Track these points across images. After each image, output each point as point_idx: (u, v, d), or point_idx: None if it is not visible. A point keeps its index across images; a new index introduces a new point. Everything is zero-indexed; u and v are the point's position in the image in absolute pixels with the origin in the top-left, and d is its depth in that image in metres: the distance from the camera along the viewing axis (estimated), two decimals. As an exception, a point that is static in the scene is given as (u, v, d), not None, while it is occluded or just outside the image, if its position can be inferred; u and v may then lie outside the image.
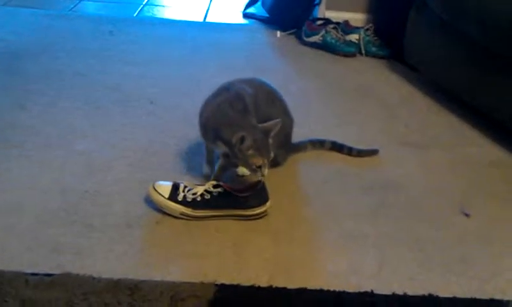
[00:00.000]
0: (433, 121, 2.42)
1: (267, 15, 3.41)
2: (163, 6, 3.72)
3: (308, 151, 2.06)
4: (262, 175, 1.65)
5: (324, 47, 3.07)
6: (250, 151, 1.63)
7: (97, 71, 2.62)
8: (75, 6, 3.56)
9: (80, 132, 2.09)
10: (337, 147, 2.07)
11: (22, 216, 1.62)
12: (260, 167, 1.65)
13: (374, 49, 3.04)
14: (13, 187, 1.75)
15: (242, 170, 1.67)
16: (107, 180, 1.82)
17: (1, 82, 2.43)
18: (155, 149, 2.01)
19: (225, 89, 1.80)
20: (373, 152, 2.07)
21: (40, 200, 1.70)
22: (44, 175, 1.82)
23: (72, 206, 1.68)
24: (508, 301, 1.41)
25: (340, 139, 2.09)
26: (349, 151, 2.07)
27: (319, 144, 2.08)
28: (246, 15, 3.53)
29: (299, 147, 2.04)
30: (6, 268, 1.40)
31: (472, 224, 1.75)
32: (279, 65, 2.94)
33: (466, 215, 1.78)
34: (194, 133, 1.98)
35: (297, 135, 2.00)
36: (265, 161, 1.65)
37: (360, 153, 2.06)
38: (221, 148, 1.71)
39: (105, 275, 1.40)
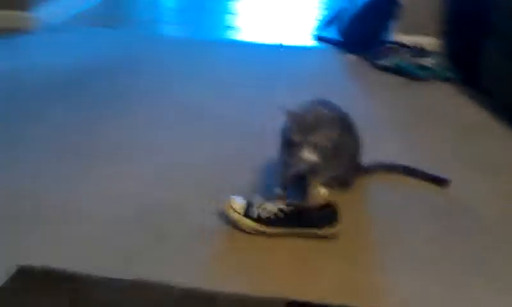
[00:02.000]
0: (505, 146, 2.38)
1: (340, 38, 3.46)
2: (240, 29, 3.84)
3: (379, 173, 2.08)
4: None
5: (396, 70, 3.08)
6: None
7: (173, 91, 2.74)
8: (155, 27, 3.73)
9: (158, 147, 2.20)
10: (408, 171, 2.08)
11: (98, 224, 1.73)
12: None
13: (447, 73, 3.02)
14: (92, 196, 1.87)
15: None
16: (180, 193, 1.90)
17: (80, 98, 2.60)
18: (229, 166, 2.08)
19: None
20: (445, 181, 2.06)
21: (117, 209, 1.80)
22: (119, 186, 1.93)
23: (146, 216, 1.77)
24: None
25: (411, 163, 2.10)
26: (420, 176, 2.07)
27: (389, 167, 2.09)
28: (318, 38, 3.59)
29: (369, 169, 2.06)
30: (87, 272, 1.50)
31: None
32: (349, 88, 2.97)
33: (541, 244, 1.75)
34: (266, 152, 2.06)
35: (367, 159, 2.02)
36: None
37: (432, 180, 2.06)
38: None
39: (178, 283, 1.47)
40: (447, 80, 3.01)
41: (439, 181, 2.06)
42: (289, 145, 1.71)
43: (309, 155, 1.68)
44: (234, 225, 1.73)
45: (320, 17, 3.97)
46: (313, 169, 1.83)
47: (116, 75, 2.89)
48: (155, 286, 1.46)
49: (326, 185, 1.94)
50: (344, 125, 1.91)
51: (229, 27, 3.84)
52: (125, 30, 3.64)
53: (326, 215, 1.72)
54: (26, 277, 1.46)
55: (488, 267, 1.65)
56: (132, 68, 3.00)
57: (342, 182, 1.96)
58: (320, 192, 1.91)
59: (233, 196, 1.78)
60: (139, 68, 3.01)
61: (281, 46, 3.45)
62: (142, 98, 2.64)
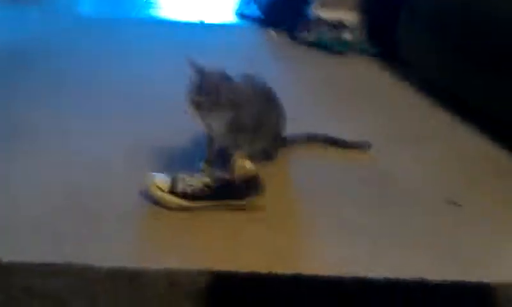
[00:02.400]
0: (426, 116, 2.47)
1: (261, 15, 3.46)
2: (159, 7, 3.76)
3: (302, 144, 2.10)
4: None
5: (317, 45, 3.11)
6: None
7: (94, 71, 2.66)
8: (74, 6, 3.59)
9: (80, 130, 2.12)
10: (330, 140, 2.11)
11: (26, 209, 1.66)
12: None
13: (366, 47, 3.09)
14: (17, 181, 1.79)
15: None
16: (106, 175, 1.85)
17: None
18: (151, 144, 2.03)
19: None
20: (366, 145, 2.11)
21: (43, 193, 1.73)
22: (46, 172, 1.85)
23: (74, 200, 1.71)
24: (495, 284, 1.45)
25: (335, 135, 2.13)
26: (342, 144, 2.11)
27: (312, 137, 2.12)
28: (240, 15, 3.57)
29: (293, 141, 2.08)
30: (11, 259, 1.43)
31: (463, 214, 1.79)
32: (273, 64, 2.98)
33: (457, 205, 1.82)
34: (190, 127, 2.02)
35: (290, 131, 2.03)
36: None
37: (354, 146, 2.10)
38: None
39: (106, 264, 1.43)
40: (367, 54, 3.08)
41: (360, 146, 2.10)
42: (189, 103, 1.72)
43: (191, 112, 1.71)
44: (159, 203, 1.70)
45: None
46: (232, 143, 1.83)
47: (35, 58, 2.75)
48: (81, 268, 1.41)
49: (250, 158, 1.94)
50: (266, 99, 1.91)
51: (149, 5, 3.75)
52: (40, 9, 3.48)
53: (251, 186, 1.72)
54: None
55: (411, 229, 1.70)
56: (50, 50, 2.88)
57: (266, 155, 1.97)
58: (245, 165, 1.90)
59: (156, 174, 1.74)
60: (58, 50, 2.89)
61: (202, 23, 3.41)
62: (64, 81, 2.53)
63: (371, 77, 2.84)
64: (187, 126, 2.05)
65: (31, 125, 2.12)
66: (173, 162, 1.93)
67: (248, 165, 1.89)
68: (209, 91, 1.70)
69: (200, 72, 1.71)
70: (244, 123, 1.81)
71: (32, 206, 1.67)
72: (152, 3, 3.77)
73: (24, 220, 1.61)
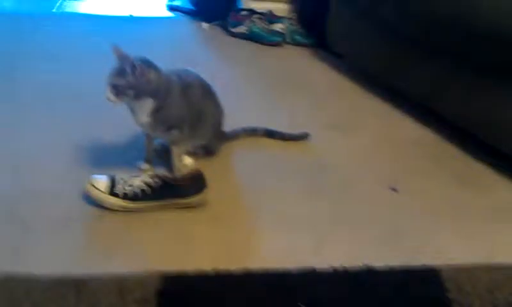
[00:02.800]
0: (358, 105, 2.52)
1: (193, 7, 3.42)
2: (84, 1, 3.64)
3: (241, 138, 2.10)
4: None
5: (250, 37, 3.12)
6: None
7: (19, 70, 2.54)
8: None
9: (8, 132, 2.03)
10: (269, 133, 2.13)
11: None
12: None
13: (298, 38, 3.12)
14: None
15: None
16: (43, 179, 1.78)
17: None
18: (88, 145, 1.98)
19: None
20: (304, 136, 2.14)
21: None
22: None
23: (8, 207, 1.64)
24: (439, 266, 1.51)
25: (270, 127, 2.14)
26: (281, 136, 2.13)
27: (251, 131, 2.12)
28: (171, 8, 3.52)
29: (232, 135, 2.08)
30: None
31: (401, 199, 1.85)
32: (206, 57, 2.96)
33: (395, 190, 1.88)
34: (127, 126, 1.98)
35: (229, 125, 2.03)
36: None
37: (292, 138, 2.13)
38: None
39: (48, 273, 1.38)
40: (299, 44, 3.11)
41: (299, 138, 2.13)
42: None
43: (110, 96, 1.67)
44: (100, 205, 1.65)
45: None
46: (174, 139, 1.81)
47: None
48: (21, 278, 1.35)
49: (191, 154, 1.92)
50: (202, 93, 1.89)
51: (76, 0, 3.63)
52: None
53: (193, 183, 1.70)
54: None
55: (352, 217, 1.74)
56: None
57: (207, 150, 1.95)
58: (186, 162, 1.89)
59: (95, 176, 1.69)
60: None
61: (131, 17, 3.34)
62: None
63: (304, 67, 2.87)
64: (124, 124, 2.01)
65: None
66: (112, 162, 1.88)
67: (189, 162, 1.88)
68: (128, 75, 1.65)
69: (122, 57, 1.66)
70: (171, 113, 1.77)
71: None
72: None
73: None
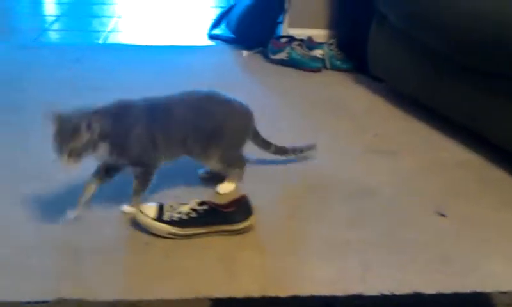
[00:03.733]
0: (401, 128, 2.51)
1: (233, 35, 3.48)
2: (129, 33, 3.74)
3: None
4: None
5: (290, 63, 3.14)
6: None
7: (67, 100, 2.62)
8: (39, 36, 3.55)
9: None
10: (280, 150, 2.07)
11: (5, 247, 1.62)
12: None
13: (338, 63, 3.13)
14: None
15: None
16: (92, 207, 1.82)
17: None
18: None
19: None
20: (311, 147, 2.13)
21: (24, 228, 1.70)
22: (26, 206, 1.82)
23: (58, 234, 1.69)
24: (490, 293, 1.48)
25: (312, 154, 2.15)
26: (292, 151, 2.09)
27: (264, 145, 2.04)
28: (211, 37, 3.58)
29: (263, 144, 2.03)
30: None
31: (449, 224, 1.83)
32: (246, 83, 2.99)
33: (443, 215, 1.85)
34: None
35: (268, 155, 2.04)
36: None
37: (302, 151, 2.11)
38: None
39: (100, 298, 1.41)
40: (339, 69, 3.12)
41: (308, 149, 2.12)
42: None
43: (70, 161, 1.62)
44: (148, 231, 1.69)
45: (212, 15, 3.96)
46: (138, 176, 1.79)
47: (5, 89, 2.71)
48: (76, 303, 1.38)
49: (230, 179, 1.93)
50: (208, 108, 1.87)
51: (116, 31, 3.73)
52: (6, 42, 3.42)
53: (240, 209, 1.72)
54: None
55: (399, 243, 1.72)
56: (19, 80, 2.83)
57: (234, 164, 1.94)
58: (227, 188, 1.91)
59: (144, 203, 1.73)
60: (26, 79, 2.84)
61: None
62: (38, 109, 2.48)
63: (344, 92, 2.88)
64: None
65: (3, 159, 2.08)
66: (159, 189, 1.91)
67: (230, 187, 1.89)
68: (84, 134, 1.60)
69: (58, 119, 1.61)
70: (131, 150, 1.74)
71: (15, 243, 1.64)
72: (121, 31, 3.75)
73: (2, 258, 1.58)
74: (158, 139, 1.77)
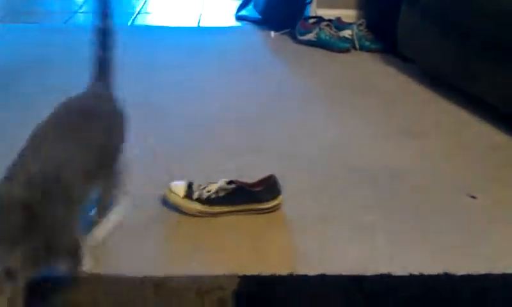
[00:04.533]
0: (431, 109, 2.48)
1: (260, 16, 3.46)
2: (157, 14, 3.76)
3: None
4: None
5: (318, 44, 3.12)
6: None
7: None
8: (69, 19, 3.59)
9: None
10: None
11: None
12: None
13: (367, 43, 3.10)
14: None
15: None
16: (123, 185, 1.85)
17: (2, 100, 2.45)
18: (163, 154, 2.04)
19: None
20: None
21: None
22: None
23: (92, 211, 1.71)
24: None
25: (340, 135, 2.13)
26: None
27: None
28: (239, 17, 3.58)
29: None
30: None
31: (479, 206, 1.80)
32: (275, 65, 2.99)
33: (473, 197, 1.83)
34: (200, 136, 2.05)
35: (299, 135, 2.03)
36: None
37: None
38: None
39: (129, 274, 1.44)
40: (368, 50, 3.09)
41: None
42: None
43: None
44: (178, 209, 1.70)
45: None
46: None
47: (41, 72, 2.74)
48: (103, 278, 1.41)
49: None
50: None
51: (144, 13, 3.75)
52: (37, 24, 3.47)
53: (268, 189, 1.72)
54: None
55: (428, 224, 1.71)
56: (51, 61, 2.87)
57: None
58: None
59: (174, 182, 1.75)
60: (58, 60, 2.88)
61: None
62: (70, 90, 2.51)
63: (373, 73, 2.85)
64: (201, 130, 2.07)
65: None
66: (190, 168, 1.93)
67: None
68: None
69: None
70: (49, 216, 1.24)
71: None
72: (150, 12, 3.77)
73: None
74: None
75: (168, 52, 3.05)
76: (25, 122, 1.41)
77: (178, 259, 1.54)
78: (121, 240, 1.59)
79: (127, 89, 2.52)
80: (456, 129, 2.31)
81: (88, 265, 1.40)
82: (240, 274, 1.44)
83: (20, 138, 1.38)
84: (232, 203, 1.70)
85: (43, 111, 1.48)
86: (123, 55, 2.92)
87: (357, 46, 3.11)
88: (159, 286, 1.39)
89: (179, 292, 1.37)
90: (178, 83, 2.66)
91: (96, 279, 1.41)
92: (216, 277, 1.42)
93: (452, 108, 2.47)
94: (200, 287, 1.38)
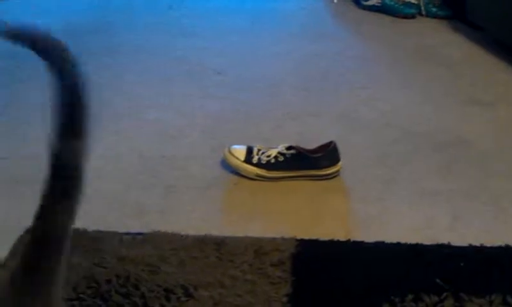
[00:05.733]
0: (499, 78, 2.40)
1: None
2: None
3: None
4: None
5: (382, 9, 3.05)
6: None
7: (159, 45, 2.70)
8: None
9: (151, 102, 2.18)
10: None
11: (106, 181, 1.71)
12: None
13: (434, 10, 3.00)
14: (94, 155, 1.83)
15: None
16: (182, 146, 1.90)
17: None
18: (225, 116, 2.08)
19: None
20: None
21: (121, 166, 1.79)
22: (121, 143, 1.91)
23: (151, 171, 1.77)
24: None
25: (404, 101, 2.09)
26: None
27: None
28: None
29: None
30: (99, 228, 1.50)
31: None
32: (337, 31, 2.95)
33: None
34: (261, 99, 2.06)
35: (361, 100, 2.01)
36: None
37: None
38: None
39: (191, 232, 1.48)
40: (435, 16, 3.00)
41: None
42: None
43: None
44: (238, 173, 1.73)
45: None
46: None
47: (106, 33, 2.82)
48: (168, 236, 1.46)
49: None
50: None
51: None
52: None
53: (328, 155, 1.72)
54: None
55: (492, 194, 1.67)
56: (112, 24, 2.94)
57: None
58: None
59: (234, 145, 1.77)
60: (120, 24, 2.94)
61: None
62: (137, 54, 2.59)
63: (440, 41, 2.77)
64: (259, 98, 2.08)
65: (101, 98, 2.19)
66: (249, 133, 1.95)
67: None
68: None
69: None
70: None
71: (112, 178, 1.73)
72: None
73: (105, 192, 1.65)
74: None
75: (229, 18, 3.06)
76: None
77: (237, 221, 1.57)
78: (183, 199, 1.64)
79: (187, 52, 2.58)
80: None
81: None
82: (298, 237, 1.46)
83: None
84: (291, 169, 1.71)
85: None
86: (183, 21, 2.97)
87: (423, 12, 3.02)
88: (220, 245, 1.42)
89: (239, 252, 1.40)
90: (240, 47, 2.68)
91: (161, 237, 1.46)
92: (274, 239, 1.44)
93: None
94: (259, 248, 1.41)
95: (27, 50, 0.70)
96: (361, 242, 1.46)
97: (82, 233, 1.46)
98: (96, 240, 1.45)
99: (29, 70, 2.15)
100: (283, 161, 1.72)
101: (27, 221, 0.77)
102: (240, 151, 1.75)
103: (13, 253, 1.31)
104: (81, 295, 1.28)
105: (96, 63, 2.45)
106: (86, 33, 2.78)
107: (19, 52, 0.75)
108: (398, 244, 1.46)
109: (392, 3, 3.03)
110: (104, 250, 1.42)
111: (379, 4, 3.06)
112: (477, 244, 1.45)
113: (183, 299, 1.27)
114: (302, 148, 1.74)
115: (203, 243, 1.43)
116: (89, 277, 1.32)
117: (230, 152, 1.75)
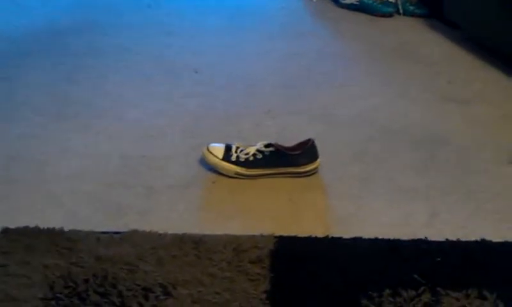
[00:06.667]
0: (476, 76, 2.42)
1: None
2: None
3: None
4: None
5: (361, 8, 3.07)
6: None
7: (140, 44, 2.69)
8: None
9: (131, 102, 2.17)
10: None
11: (86, 181, 1.70)
12: None
13: (411, 8, 3.03)
14: (74, 154, 1.84)
15: None
16: (161, 145, 1.89)
17: (50, 59, 2.51)
18: (204, 115, 2.07)
19: None
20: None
21: (101, 166, 1.78)
22: (101, 143, 1.90)
23: (131, 170, 1.76)
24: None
25: (382, 99, 2.11)
26: None
27: None
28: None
29: None
30: (77, 228, 1.49)
31: (520, 174, 1.77)
32: (316, 29, 2.96)
33: (514, 164, 1.80)
34: (239, 98, 2.05)
35: (340, 98, 2.02)
36: None
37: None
38: None
39: (170, 231, 1.47)
40: (412, 15, 3.02)
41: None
42: None
43: None
44: (217, 171, 1.73)
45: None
46: None
47: (87, 32, 2.81)
48: (146, 235, 1.45)
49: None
50: None
51: None
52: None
53: (306, 153, 1.73)
54: (12, 237, 1.43)
55: (469, 191, 1.69)
56: (94, 24, 2.92)
57: None
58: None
59: (212, 143, 1.77)
60: (101, 24, 2.92)
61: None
62: (117, 54, 2.57)
63: (417, 39, 2.80)
64: (238, 94, 2.08)
65: (81, 98, 2.17)
66: (227, 131, 1.95)
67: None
68: None
69: None
70: None
71: (90, 178, 1.72)
72: None
73: (84, 192, 1.65)
74: None
75: (208, 16, 3.05)
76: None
77: (216, 219, 1.57)
78: (161, 198, 1.63)
79: (167, 51, 2.57)
80: (501, 97, 2.26)
81: None
82: (277, 234, 1.46)
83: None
84: (270, 166, 1.72)
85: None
86: (164, 18, 2.96)
87: (401, 10, 3.04)
88: (198, 243, 1.42)
89: (217, 250, 1.40)
90: (219, 46, 2.67)
91: (140, 235, 1.45)
92: (253, 236, 1.44)
93: (498, 76, 2.41)
94: (237, 246, 1.41)
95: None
96: (340, 239, 1.47)
97: (59, 233, 1.45)
98: (73, 240, 1.44)
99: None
100: (261, 159, 1.72)
101: None
102: (218, 149, 1.75)
103: None
104: (58, 295, 1.27)
105: (79, 63, 2.44)
106: (67, 33, 2.77)
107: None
108: (376, 239, 1.47)
109: (370, 2, 3.05)
110: (81, 249, 1.40)
111: (357, 3, 3.08)
112: (454, 238, 1.47)
113: (162, 297, 1.27)
114: (280, 146, 1.74)
115: (182, 241, 1.43)
116: (66, 277, 1.31)
117: (208, 150, 1.75)
